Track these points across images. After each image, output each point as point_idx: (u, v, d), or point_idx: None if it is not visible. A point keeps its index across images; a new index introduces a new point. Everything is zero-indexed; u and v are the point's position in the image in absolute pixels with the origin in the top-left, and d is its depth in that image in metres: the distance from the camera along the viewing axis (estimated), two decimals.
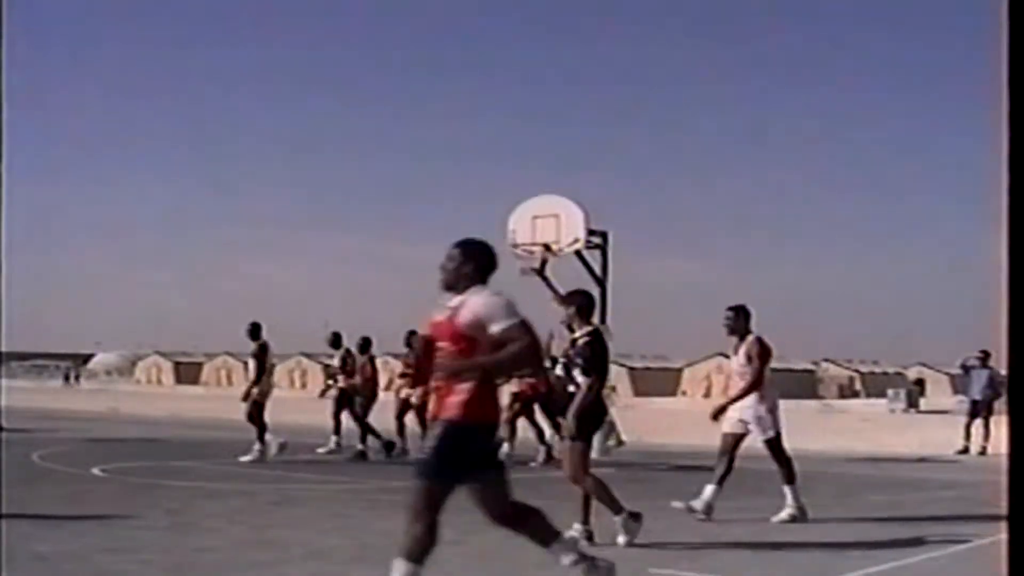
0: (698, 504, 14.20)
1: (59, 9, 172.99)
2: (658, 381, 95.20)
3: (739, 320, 14.70)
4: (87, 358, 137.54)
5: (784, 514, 14.36)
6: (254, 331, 22.10)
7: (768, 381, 14.78)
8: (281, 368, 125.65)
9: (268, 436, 21.51)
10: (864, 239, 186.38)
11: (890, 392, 66.61)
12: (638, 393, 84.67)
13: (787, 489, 14.64)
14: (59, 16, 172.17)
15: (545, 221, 25.10)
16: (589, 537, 12.13)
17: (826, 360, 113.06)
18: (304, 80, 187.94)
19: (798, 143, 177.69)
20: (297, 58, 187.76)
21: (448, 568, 9.64)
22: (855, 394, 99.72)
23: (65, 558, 10.49)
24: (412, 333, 21.93)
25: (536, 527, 8.54)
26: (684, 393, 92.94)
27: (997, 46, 4.33)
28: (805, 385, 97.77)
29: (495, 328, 7.69)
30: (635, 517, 12.28)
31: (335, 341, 24.11)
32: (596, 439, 24.41)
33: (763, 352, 14.54)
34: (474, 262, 8.01)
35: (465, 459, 7.83)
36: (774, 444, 14.88)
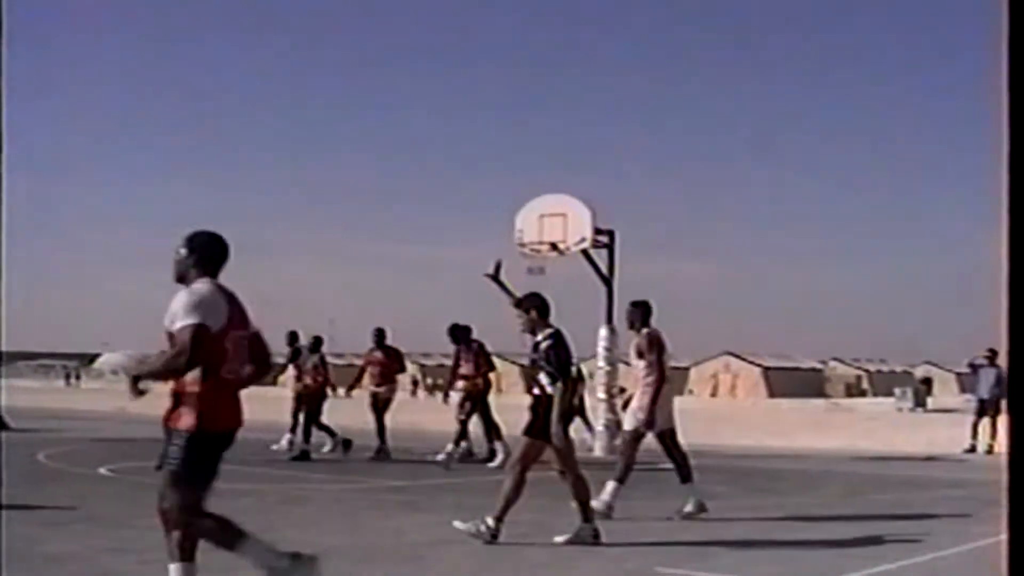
0: (599, 505, 13.79)
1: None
2: None
3: (635, 314, 14.73)
4: (93, 357, 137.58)
5: (689, 507, 14.27)
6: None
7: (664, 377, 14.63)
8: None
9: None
10: (871, 238, 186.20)
11: (897, 391, 66.59)
12: None
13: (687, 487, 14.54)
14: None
15: (552, 220, 25.10)
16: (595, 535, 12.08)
17: (833, 359, 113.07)
18: (309, 78, 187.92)
19: (806, 142, 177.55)
20: (302, 56, 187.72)
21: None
22: (862, 393, 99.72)
23: (71, 558, 10.48)
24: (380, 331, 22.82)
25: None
26: (691, 392, 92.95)
27: (997, 46, 4.32)
28: (812, 384, 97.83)
29: (174, 326, 7.59)
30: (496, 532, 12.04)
31: (291, 340, 24.25)
32: (603, 438, 24.61)
33: (650, 345, 14.47)
34: (196, 254, 7.89)
35: (209, 463, 7.95)
36: (670, 435, 14.92)
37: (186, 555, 7.95)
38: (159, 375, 7.65)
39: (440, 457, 20.99)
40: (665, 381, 14.51)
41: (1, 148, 15.89)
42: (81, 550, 10.92)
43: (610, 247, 25.48)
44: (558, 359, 11.96)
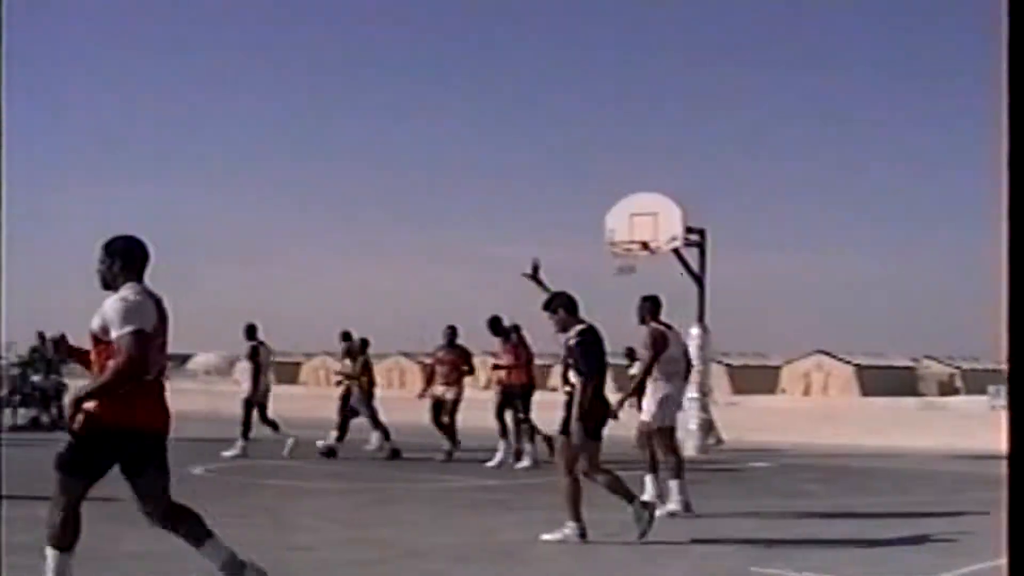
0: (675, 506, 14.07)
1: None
2: (757, 379, 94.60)
3: (644, 308, 14.68)
4: (186, 358, 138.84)
5: (670, 507, 14.11)
6: (249, 332, 22.82)
7: (670, 373, 14.55)
8: (380, 368, 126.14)
9: (248, 435, 22.18)
10: (962, 232, 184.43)
11: (991, 389, 65.92)
12: (737, 391, 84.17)
13: (674, 483, 14.33)
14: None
15: (643, 219, 25.05)
16: (581, 535, 11.92)
17: (926, 357, 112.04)
18: (399, 76, 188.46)
19: (894, 133, 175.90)
20: (394, 54, 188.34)
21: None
22: (955, 391, 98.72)
23: (162, 557, 10.54)
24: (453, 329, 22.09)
25: (191, 528, 8.55)
26: (783, 391, 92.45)
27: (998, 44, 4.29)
28: (905, 382, 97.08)
29: (113, 334, 7.56)
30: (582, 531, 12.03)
31: (345, 338, 24.07)
32: (696, 438, 24.54)
33: (652, 342, 14.37)
34: (120, 260, 7.87)
35: (99, 460, 7.95)
36: (663, 434, 14.61)
37: (63, 543, 8.09)
38: (111, 388, 7.62)
39: (490, 464, 20.62)
40: (649, 377, 14.37)
41: (1, 148, 16.37)
42: (171, 549, 10.96)
43: (701, 245, 25.41)
44: (585, 356, 11.95)
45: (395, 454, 22.08)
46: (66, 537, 7.94)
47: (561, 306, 12.27)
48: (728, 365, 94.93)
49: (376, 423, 22.97)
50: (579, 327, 12.12)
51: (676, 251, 25.07)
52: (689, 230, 25.06)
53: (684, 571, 10.77)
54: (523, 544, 11.76)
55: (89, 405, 7.65)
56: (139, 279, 7.86)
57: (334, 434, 22.95)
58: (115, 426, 7.76)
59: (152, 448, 8.18)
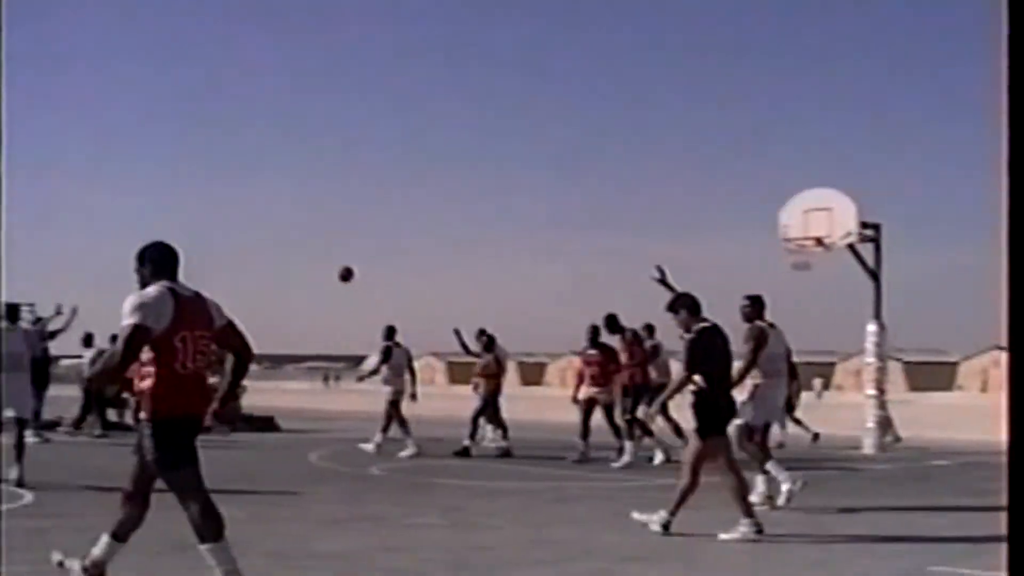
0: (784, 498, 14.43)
1: None
2: (934, 375, 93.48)
3: (748, 308, 14.95)
4: (361, 360, 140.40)
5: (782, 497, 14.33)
6: (387, 333, 23.08)
7: (770, 371, 14.88)
8: (553, 367, 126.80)
9: (386, 433, 22.55)
10: None
11: None
12: (913, 388, 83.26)
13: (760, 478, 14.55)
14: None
15: (817, 215, 24.85)
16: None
17: None
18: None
19: None
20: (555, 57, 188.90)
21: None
22: None
23: (345, 557, 10.67)
24: (595, 328, 21.64)
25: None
26: (960, 387, 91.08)
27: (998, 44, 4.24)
28: None
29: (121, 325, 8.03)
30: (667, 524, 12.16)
31: (483, 336, 24.02)
32: (873, 436, 24.26)
33: (751, 340, 14.66)
34: (149, 264, 8.35)
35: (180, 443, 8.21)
36: (757, 432, 14.95)
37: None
38: (105, 375, 8.53)
39: (619, 463, 20.36)
40: (748, 375, 14.72)
41: (1, 149, 16.88)
42: (356, 549, 11.12)
43: (876, 240, 25.11)
44: (689, 352, 12.31)
45: (506, 452, 22.34)
46: (209, 528, 8.16)
47: (683, 307, 12.59)
48: (905, 362, 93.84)
49: (497, 422, 23.20)
50: (698, 325, 12.40)
51: (851, 246, 24.82)
52: (864, 225, 24.78)
53: (867, 570, 10.66)
54: (700, 542, 11.73)
55: (149, 402, 8.12)
56: (171, 279, 8.30)
57: (499, 433, 23.16)
58: (169, 416, 8.15)
59: (187, 434, 8.38)
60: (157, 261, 8.36)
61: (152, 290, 8.13)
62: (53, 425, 27.14)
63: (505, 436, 22.87)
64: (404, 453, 21.80)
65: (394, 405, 22.64)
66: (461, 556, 10.82)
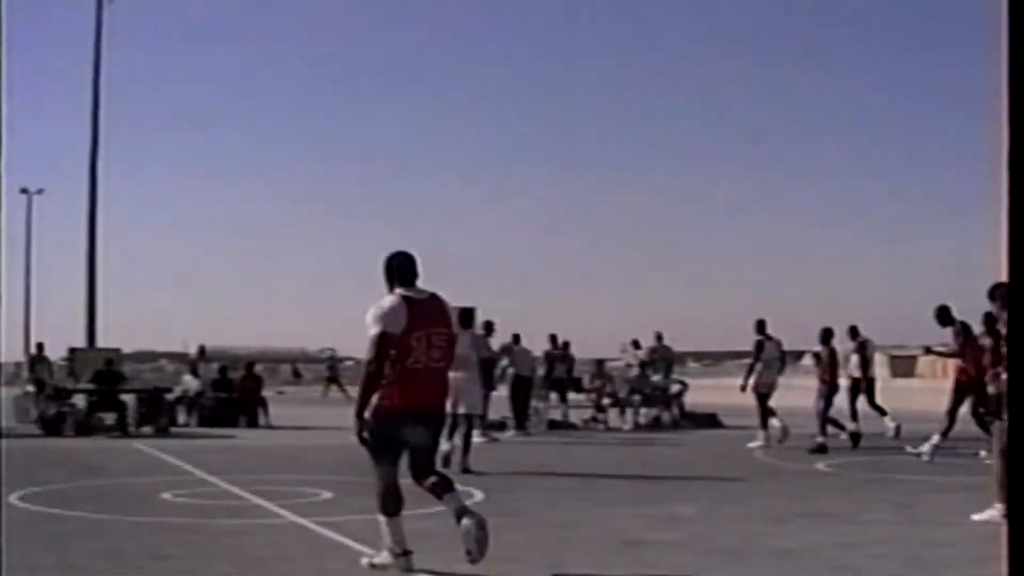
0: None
1: None
2: None
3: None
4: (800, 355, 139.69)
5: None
6: (758, 327, 23.71)
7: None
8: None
9: (775, 423, 23.36)
10: None
11: None
12: None
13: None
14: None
15: None
16: None
17: None
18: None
19: None
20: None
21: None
22: None
23: (801, 553, 10.59)
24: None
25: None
26: None
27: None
28: None
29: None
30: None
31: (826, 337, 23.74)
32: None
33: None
34: (391, 272, 9.45)
35: (391, 440, 9.26)
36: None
37: (389, 510, 9.40)
38: (365, 393, 9.11)
39: (922, 449, 19.55)
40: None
41: (1, 149, 17.50)
42: (809, 545, 10.98)
43: None
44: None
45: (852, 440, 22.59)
46: (388, 506, 9.32)
47: (998, 296, 13.08)
48: None
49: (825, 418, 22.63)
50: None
51: None
52: None
53: None
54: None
55: (375, 396, 9.13)
56: (407, 285, 9.38)
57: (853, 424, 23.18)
58: (393, 410, 9.15)
59: (428, 423, 9.46)
60: (398, 269, 9.46)
61: (387, 300, 9.22)
62: (500, 425, 27.85)
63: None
64: (752, 444, 22.99)
65: (762, 397, 23.51)
66: (915, 552, 10.60)
